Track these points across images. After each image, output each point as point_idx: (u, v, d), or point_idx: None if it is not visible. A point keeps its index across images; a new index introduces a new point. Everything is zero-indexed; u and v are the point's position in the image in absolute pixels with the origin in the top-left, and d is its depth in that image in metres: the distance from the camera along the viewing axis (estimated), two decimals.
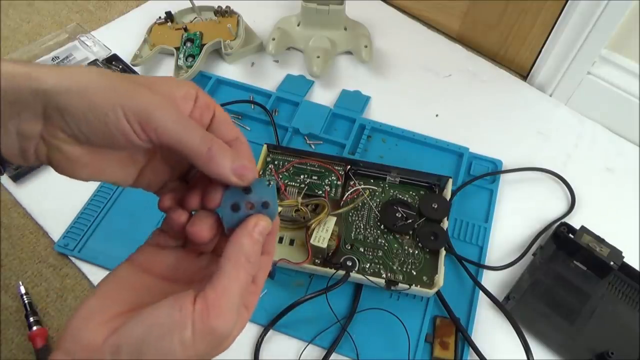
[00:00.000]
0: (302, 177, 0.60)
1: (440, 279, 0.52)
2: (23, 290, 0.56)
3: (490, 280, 0.59)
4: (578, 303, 0.56)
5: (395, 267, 0.55)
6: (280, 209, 0.57)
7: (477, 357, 0.52)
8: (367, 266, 0.55)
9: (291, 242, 0.58)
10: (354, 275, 0.52)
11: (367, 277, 0.52)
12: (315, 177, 0.60)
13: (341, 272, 0.52)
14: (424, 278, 0.54)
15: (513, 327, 0.52)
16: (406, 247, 0.56)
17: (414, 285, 0.52)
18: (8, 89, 0.25)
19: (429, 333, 0.54)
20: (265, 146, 0.61)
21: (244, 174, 0.29)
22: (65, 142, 0.27)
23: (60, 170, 0.28)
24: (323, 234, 0.54)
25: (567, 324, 0.55)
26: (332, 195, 0.59)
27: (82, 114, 0.25)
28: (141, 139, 0.27)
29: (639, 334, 0.55)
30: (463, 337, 0.53)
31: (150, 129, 0.26)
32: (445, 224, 0.56)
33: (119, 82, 0.26)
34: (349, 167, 0.61)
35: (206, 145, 0.27)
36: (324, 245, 0.53)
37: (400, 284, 0.52)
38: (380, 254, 0.56)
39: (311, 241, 0.53)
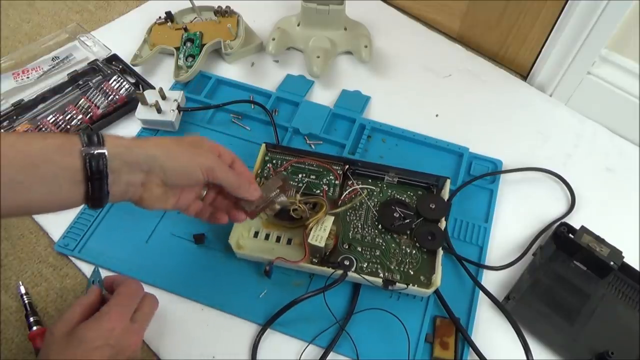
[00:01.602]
0: (300, 176, 0.60)
1: (437, 278, 0.52)
2: (23, 290, 0.56)
3: (490, 280, 0.59)
4: (578, 303, 0.56)
5: (392, 267, 0.55)
6: (278, 207, 0.56)
7: (477, 357, 0.52)
8: (365, 265, 0.55)
9: (289, 242, 0.58)
10: (352, 274, 0.52)
11: (364, 276, 0.52)
12: (314, 177, 0.60)
13: (339, 272, 0.52)
14: (422, 278, 0.54)
15: (513, 327, 0.52)
16: (404, 247, 0.56)
17: (411, 285, 0.52)
18: (126, 157, 0.40)
19: (429, 333, 0.54)
20: (263, 145, 0.61)
21: (255, 195, 0.50)
22: (156, 185, 0.44)
23: (143, 205, 0.44)
24: (321, 233, 0.53)
25: (567, 324, 0.55)
26: (330, 194, 0.59)
27: (174, 169, 0.43)
28: (205, 180, 0.46)
29: (639, 334, 0.55)
30: (463, 337, 0.53)
31: (213, 176, 0.46)
32: (443, 224, 0.56)
33: (193, 150, 0.45)
34: (347, 166, 0.61)
35: (237, 182, 0.48)
36: (322, 244, 0.53)
37: (397, 284, 0.52)
38: (378, 253, 0.56)
39: (309, 240, 0.53)
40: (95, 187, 0.39)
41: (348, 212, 0.59)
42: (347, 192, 0.60)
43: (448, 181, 0.59)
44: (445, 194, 0.59)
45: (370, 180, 0.62)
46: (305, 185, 0.59)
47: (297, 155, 0.61)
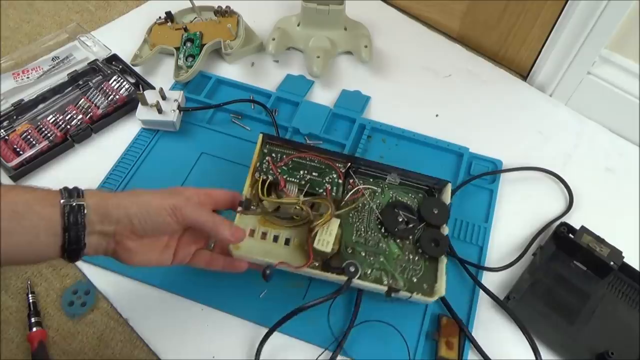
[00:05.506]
0: (302, 172, 0.57)
1: (441, 287, 0.51)
2: (30, 290, 0.57)
3: (490, 280, 0.59)
4: (578, 303, 0.56)
5: (396, 274, 0.53)
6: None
7: (480, 357, 0.52)
8: (369, 272, 0.53)
9: (286, 242, 0.55)
10: (356, 281, 0.51)
11: (369, 284, 0.51)
12: (316, 174, 0.57)
13: (343, 277, 0.50)
14: (424, 285, 0.53)
15: (519, 326, 0.52)
16: (407, 253, 0.54)
17: (414, 293, 0.51)
18: (101, 208, 0.42)
19: (430, 331, 0.54)
20: (261, 136, 0.57)
21: (237, 235, 0.48)
22: (127, 238, 0.44)
23: (121, 258, 0.45)
24: (327, 237, 0.51)
25: (567, 324, 0.55)
26: (334, 194, 0.56)
27: (141, 214, 0.43)
28: (176, 223, 0.45)
29: (639, 334, 0.55)
30: (467, 338, 0.53)
31: (181, 215, 0.45)
32: (446, 230, 0.55)
33: (157, 194, 0.46)
34: (349, 164, 0.58)
35: (212, 220, 0.47)
36: (328, 249, 0.51)
37: (401, 292, 0.51)
38: (382, 259, 0.54)
39: (314, 245, 0.51)
40: (72, 238, 0.40)
41: (350, 214, 0.56)
42: (350, 193, 0.57)
43: (448, 185, 0.57)
44: (447, 198, 0.57)
45: (371, 180, 0.59)
46: (307, 183, 0.56)
47: (298, 150, 0.58)
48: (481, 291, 0.57)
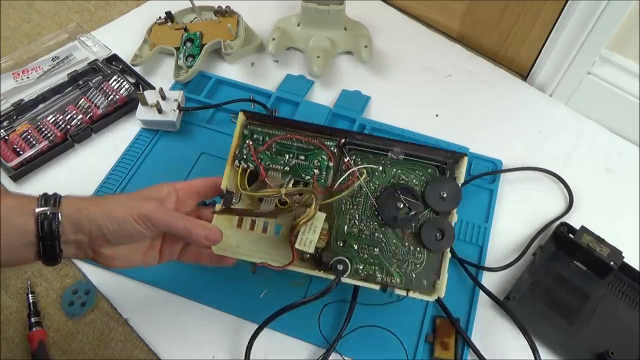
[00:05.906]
0: (287, 157, 0.50)
1: (442, 285, 0.47)
2: (30, 290, 0.57)
3: (490, 280, 0.59)
4: (578, 303, 0.56)
5: (392, 269, 0.48)
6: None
7: (476, 358, 0.52)
8: (361, 268, 0.48)
9: (276, 231, 0.52)
10: (346, 279, 0.47)
11: (360, 283, 0.48)
12: (303, 157, 0.50)
13: (332, 275, 0.47)
14: (424, 282, 0.48)
15: (518, 327, 0.52)
16: (407, 244, 0.49)
17: (412, 292, 0.47)
18: (73, 218, 0.41)
19: (429, 334, 0.54)
20: (241, 114, 0.51)
21: (212, 238, 0.46)
22: (103, 247, 0.43)
23: (101, 263, 0.44)
24: (310, 236, 0.46)
25: (567, 324, 0.55)
26: (323, 181, 0.49)
27: (111, 226, 0.42)
28: (148, 231, 0.43)
29: (639, 334, 0.55)
30: (463, 339, 0.53)
31: (151, 224, 0.43)
32: (454, 218, 0.49)
33: (128, 202, 0.44)
34: (343, 140, 0.50)
35: (184, 226, 0.44)
36: (311, 250, 0.46)
37: (397, 290, 0.47)
38: (377, 252, 0.49)
39: (296, 245, 0.46)
40: (46, 246, 0.40)
41: (343, 200, 0.50)
42: (343, 178, 0.49)
43: (464, 159, 0.49)
44: (461, 176, 0.49)
45: (371, 156, 0.51)
46: (292, 169, 0.50)
47: (284, 129, 0.50)
48: (481, 291, 0.57)
